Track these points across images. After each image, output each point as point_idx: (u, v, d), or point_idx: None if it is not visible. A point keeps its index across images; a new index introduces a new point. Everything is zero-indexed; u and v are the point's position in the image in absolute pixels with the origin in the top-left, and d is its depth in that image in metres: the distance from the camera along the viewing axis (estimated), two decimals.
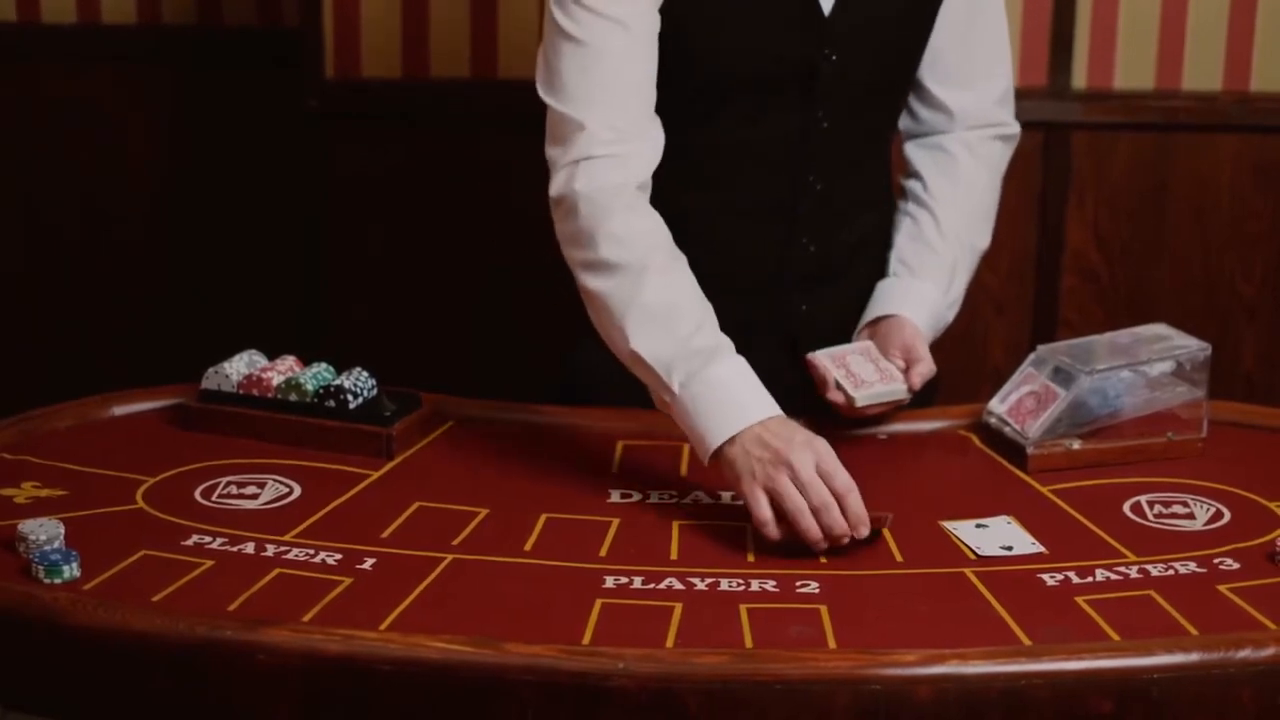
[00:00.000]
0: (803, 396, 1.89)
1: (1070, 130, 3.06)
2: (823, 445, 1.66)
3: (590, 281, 1.81)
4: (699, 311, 1.78)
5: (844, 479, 1.64)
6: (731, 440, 1.69)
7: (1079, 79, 3.06)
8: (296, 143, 3.13)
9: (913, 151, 2.10)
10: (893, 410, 1.94)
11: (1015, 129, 2.11)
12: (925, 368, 1.92)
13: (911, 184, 2.09)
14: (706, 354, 1.73)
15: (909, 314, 1.97)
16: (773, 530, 1.64)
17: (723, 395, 1.72)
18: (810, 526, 1.62)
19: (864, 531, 1.64)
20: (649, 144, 1.85)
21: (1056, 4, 3.02)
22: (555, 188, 1.84)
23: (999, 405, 1.93)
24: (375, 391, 1.92)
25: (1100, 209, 3.11)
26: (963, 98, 2.06)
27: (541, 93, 1.86)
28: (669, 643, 1.44)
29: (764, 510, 1.64)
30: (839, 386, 1.88)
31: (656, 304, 1.76)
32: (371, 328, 3.17)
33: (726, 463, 1.69)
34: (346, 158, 3.10)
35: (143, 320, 3.40)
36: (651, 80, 1.87)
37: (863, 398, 1.88)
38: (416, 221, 3.14)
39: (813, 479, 1.63)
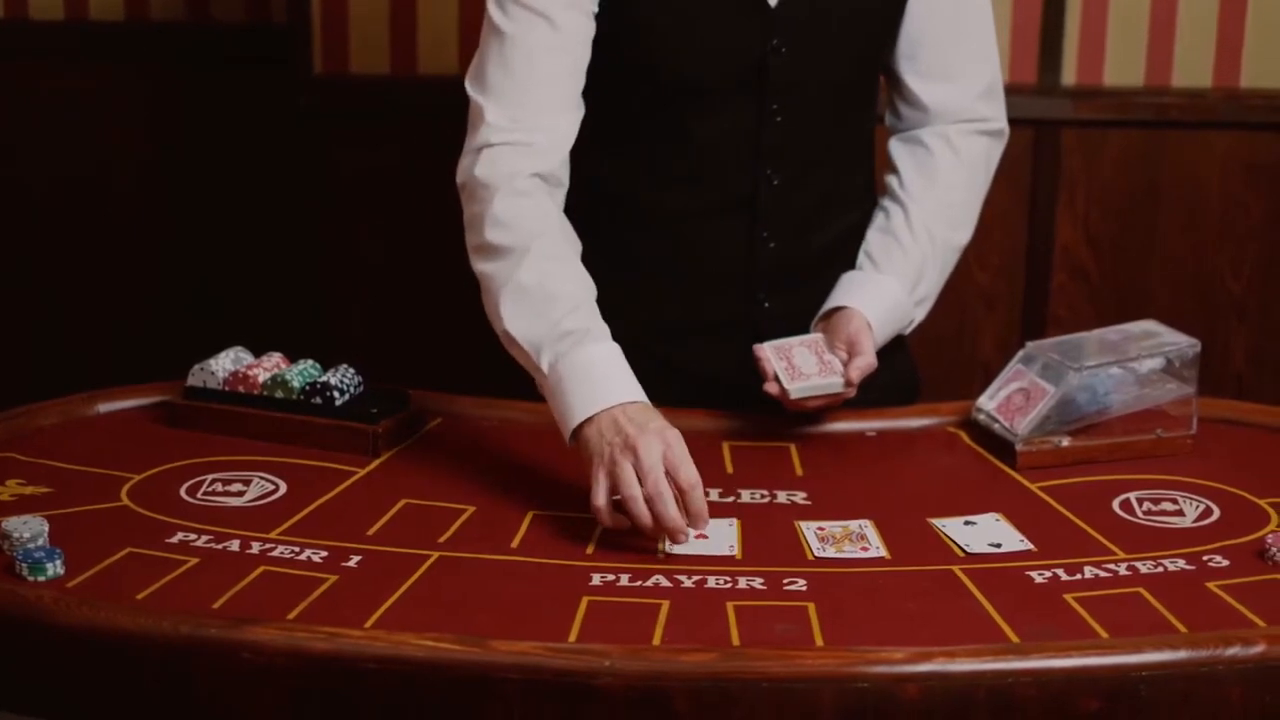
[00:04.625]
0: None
1: (1060, 127, 3.06)
2: (674, 436, 1.65)
3: (477, 264, 1.84)
4: (575, 295, 1.79)
5: (688, 473, 1.63)
6: (589, 420, 1.69)
7: (1069, 76, 3.06)
8: (287, 139, 3.13)
9: (894, 147, 2.07)
10: (837, 404, 1.91)
11: (1000, 124, 2.07)
12: (864, 361, 1.88)
13: (889, 179, 2.06)
14: (576, 336, 1.74)
15: (860, 306, 1.94)
16: (605, 518, 1.64)
17: (586, 376, 1.72)
18: (640, 513, 1.61)
19: (702, 525, 1.63)
20: (552, 134, 1.86)
21: (1046, 1, 3.02)
22: (459, 175, 1.88)
23: (988, 402, 1.92)
24: (362, 388, 1.92)
25: (1090, 206, 3.11)
26: (940, 92, 2.03)
27: (466, 83, 1.89)
28: (655, 640, 1.43)
29: (600, 496, 1.64)
30: (777, 379, 1.86)
31: (531, 285, 1.78)
32: (365, 324, 3.16)
33: (582, 443, 1.70)
34: (338, 154, 3.10)
35: (136, 318, 3.39)
36: (573, 74, 1.88)
37: (796, 390, 1.85)
38: (409, 217, 3.13)
39: (654, 466, 1.62)
